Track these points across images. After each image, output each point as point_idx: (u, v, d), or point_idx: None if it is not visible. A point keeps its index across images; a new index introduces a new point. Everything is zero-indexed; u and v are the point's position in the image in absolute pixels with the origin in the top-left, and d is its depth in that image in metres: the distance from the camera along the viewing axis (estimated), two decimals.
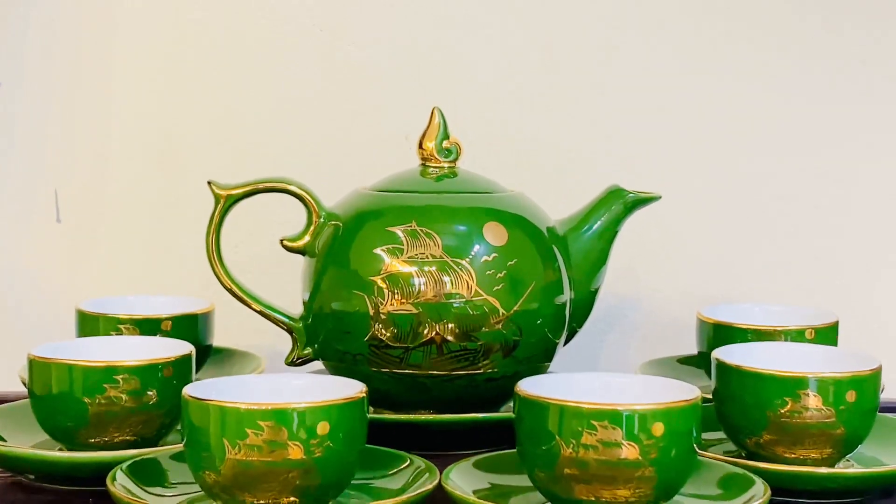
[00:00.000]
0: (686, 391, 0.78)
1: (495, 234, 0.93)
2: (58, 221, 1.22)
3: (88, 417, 0.86)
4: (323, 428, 0.75)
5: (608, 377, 0.83)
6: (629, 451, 0.74)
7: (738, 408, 0.87)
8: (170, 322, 1.05)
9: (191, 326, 1.06)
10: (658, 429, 0.74)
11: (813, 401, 0.84)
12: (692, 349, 1.10)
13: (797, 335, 1.01)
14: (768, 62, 1.19)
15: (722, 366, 0.88)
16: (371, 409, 0.97)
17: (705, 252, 1.20)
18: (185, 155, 1.21)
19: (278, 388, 0.82)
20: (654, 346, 1.19)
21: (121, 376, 0.86)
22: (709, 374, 1.05)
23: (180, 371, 0.89)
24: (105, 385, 0.86)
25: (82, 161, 1.22)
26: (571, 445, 0.74)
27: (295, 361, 0.98)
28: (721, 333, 1.04)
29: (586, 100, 1.19)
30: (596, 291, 1.00)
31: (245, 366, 1.10)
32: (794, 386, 0.84)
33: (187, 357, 0.90)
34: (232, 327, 1.11)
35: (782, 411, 0.85)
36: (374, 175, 1.17)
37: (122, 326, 1.04)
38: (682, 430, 0.75)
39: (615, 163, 1.19)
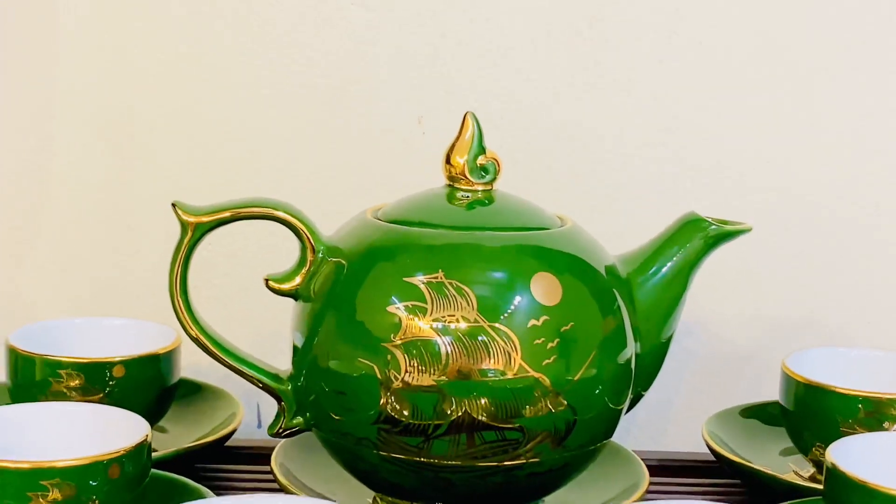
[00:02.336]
0: None
1: (547, 289, 0.72)
2: None
3: None
4: None
5: None
6: None
7: None
8: (122, 367, 0.85)
9: (149, 368, 0.87)
10: None
11: None
12: (762, 391, 0.94)
13: None
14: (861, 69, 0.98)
15: (840, 476, 0.68)
16: (378, 498, 0.78)
17: (785, 273, 1.01)
18: (141, 145, 1.01)
19: None
20: (717, 387, 1.00)
21: (50, 482, 0.66)
22: (791, 434, 0.90)
23: (132, 463, 0.69)
24: (29, 493, 0.66)
25: (23, 151, 1.01)
26: None
27: (280, 433, 0.78)
28: (815, 396, 0.85)
29: (644, 96, 0.98)
30: (668, 342, 0.81)
31: (218, 411, 0.91)
32: None
33: (140, 447, 0.69)
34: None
35: None
36: (381, 177, 0.99)
37: (62, 372, 0.84)
38: None
39: (685, 182, 0.99)
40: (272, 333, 0.96)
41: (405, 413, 0.72)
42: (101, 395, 0.84)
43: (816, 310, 1.00)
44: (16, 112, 1.01)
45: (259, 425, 1.03)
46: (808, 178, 0.99)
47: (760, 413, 0.94)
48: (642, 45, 0.98)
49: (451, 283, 0.72)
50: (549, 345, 0.72)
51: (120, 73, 1.00)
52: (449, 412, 0.71)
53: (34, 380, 0.85)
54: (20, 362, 0.85)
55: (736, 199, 0.99)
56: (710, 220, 0.80)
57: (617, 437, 0.85)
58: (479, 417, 0.72)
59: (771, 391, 0.91)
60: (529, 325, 0.72)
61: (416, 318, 0.72)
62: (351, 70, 0.99)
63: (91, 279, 1.02)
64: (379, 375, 0.72)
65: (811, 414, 0.85)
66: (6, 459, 0.66)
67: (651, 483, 0.83)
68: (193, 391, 0.94)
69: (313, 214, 0.78)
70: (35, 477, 0.66)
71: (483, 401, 0.71)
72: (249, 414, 1.01)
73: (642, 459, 0.85)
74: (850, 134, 0.99)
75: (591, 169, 0.99)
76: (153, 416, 0.85)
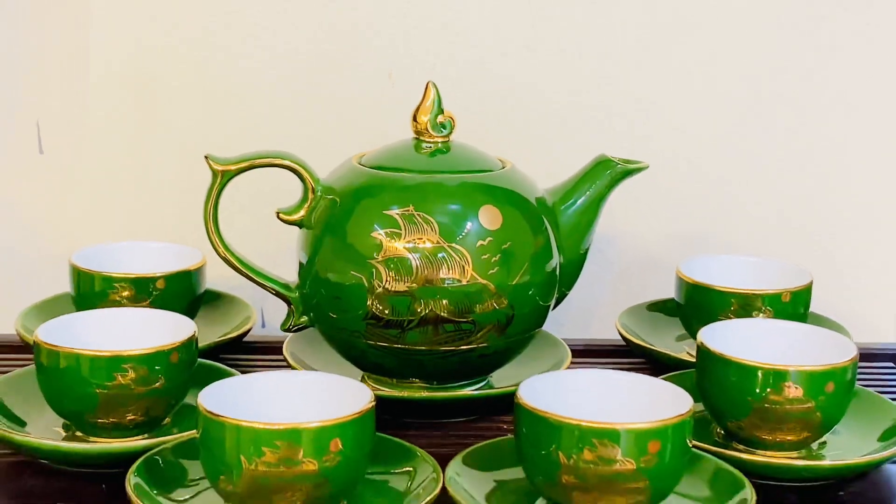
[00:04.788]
0: (680, 402, 0.82)
1: (491, 217, 0.95)
2: (41, 153, 1.23)
3: (97, 403, 0.89)
4: (335, 444, 0.78)
5: (605, 377, 0.86)
6: (626, 466, 0.78)
7: (720, 393, 0.91)
8: (164, 280, 1.07)
9: (184, 282, 1.08)
10: (654, 445, 0.78)
11: (793, 391, 0.88)
12: (668, 289, 1.14)
13: (774, 299, 1.05)
14: (751, 13, 1.20)
15: (706, 352, 0.92)
16: (366, 376, 1.01)
17: (684, 196, 1.23)
18: (166, 89, 1.21)
19: (287, 391, 0.84)
20: (631, 287, 1.22)
21: (129, 364, 0.88)
22: (684, 323, 1.10)
23: (186, 353, 0.92)
24: (114, 373, 0.88)
25: (63, 92, 1.21)
26: (571, 459, 0.78)
27: (291, 329, 1.01)
28: (700, 294, 1.07)
29: (571, 62, 1.20)
30: (585, 253, 1.03)
31: (237, 314, 1.13)
32: (776, 378, 0.88)
33: (191, 340, 0.92)
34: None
35: (764, 400, 0.89)
36: (359, 125, 1.19)
37: (117, 285, 1.06)
38: (677, 443, 0.79)
39: (601, 129, 1.20)
40: (278, 257, 1.13)
41: (386, 312, 0.95)
42: (147, 302, 1.06)
43: (708, 226, 1.22)
44: (56, 67, 1.20)
45: (263, 325, 1.26)
46: (700, 121, 1.21)
47: (662, 307, 1.16)
48: (572, 12, 1.19)
49: (419, 215, 0.94)
50: (493, 259, 0.95)
51: (149, 38, 1.19)
52: (419, 310, 0.94)
53: (94, 291, 1.06)
54: (82, 278, 1.07)
55: (641, 141, 1.20)
56: (616, 160, 1.02)
57: (551, 330, 1.08)
58: (442, 314, 0.94)
59: (672, 291, 1.13)
60: (478, 244, 0.94)
61: (393, 241, 0.94)
62: (335, 40, 1.19)
63: (129, 209, 1.22)
64: (366, 284, 0.94)
65: (697, 307, 1.07)
66: (98, 350, 0.89)
67: (576, 363, 1.05)
68: (216, 299, 1.16)
69: (309, 160, 0.99)
70: (118, 361, 0.88)
71: (444, 301, 0.94)
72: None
73: (570, 346, 1.06)
74: (729, 77, 1.20)
75: (527, 119, 1.20)
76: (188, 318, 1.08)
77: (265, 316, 1.25)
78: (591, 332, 1.23)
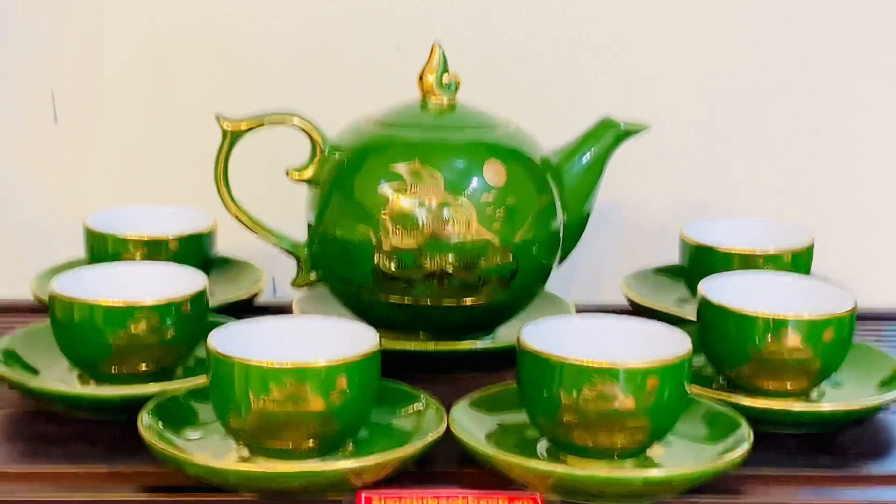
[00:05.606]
0: (681, 344, 0.83)
1: (495, 172, 0.97)
2: (55, 123, 1.25)
3: (111, 352, 0.91)
4: (341, 383, 0.80)
5: (606, 321, 0.88)
6: (625, 404, 0.80)
7: (720, 342, 0.93)
8: (176, 242, 1.09)
9: (196, 244, 1.10)
10: (653, 383, 0.80)
11: (792, 340, 0.90)
12: (674, 255, 1.15)
13: (776, 259, 1.07)
14: None
15: (707, 303, 0.93)
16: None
17: (690, 161, 1.24)
18: (179, 57, 1.23)
19: (293, 334, 0.86)
20: (637, 252, 1.24)
21: (141, 315, 0.91)
22: (689, 286, 1.11)
23: (197, 305, 0.94)
24: (127, 322, 0.90)
25: (77, 62, 1.23)
26: (571, 398, 0.80)
27: (301, 285, 1.03)
28: (703, 255, 1.09)
29: (575, 25, 1.22)
30: (588, 214, 1.04)
31: (247, 278, 1.15)
32: (776, 326, 0.90)
33: (202, 293, 0.94)
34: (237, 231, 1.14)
35: (763, 348, 0.90)
36: (368, 90, 1.21)
37: (130, 246, 1.08)
38: (675, 382, 0.81)
39: (604, 90, 1.22)
40: (289, 221, 1.12)
41: (393, 267, 0.97)
42: None
43: (714, 191, 1.24)
44: (71, 37, 1.22)
45: (274, 293, 1.27)
46: (704, 83, 1.23)
47: (668, 271, 1.16)
48: None
49: (425, 170, 0.97)
50: (498, 213, 0.96)
51: (163, 6, 1.21)
52: (425, 265, 0.96)
53: (107, 254, 1.07)
54: (95, 240, 1.08)
55: (646, 103, 1.21)
56: (619, 121, 1.04)
57: (559, 293, 1.10)
58: (447, 268, 0.97)
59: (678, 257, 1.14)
60: (483, 199, 0.96)
61: (399, 196, 0.96)
62: (345, 5, 1.21)
63: (143, 177, 1.24)
64: (373, 239, 0.96)
65: (700, 268, 1.07)
66: (111, 299, 0.91)
67: None
68: (227, 264, 1.17)
69: (318, 122, 1.01)
70: (131, 312, 0.90)
71: (450, 256, 0.96)
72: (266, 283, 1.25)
73: (578, 309, 1.08)
74: (739, 36, 1.22)
75: (532, 80, 1.22)
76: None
77: (276, 283, 1.27)
78: (598, 298, 1.24)
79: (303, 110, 1.02)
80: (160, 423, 0.84)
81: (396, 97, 1.05)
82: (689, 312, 1.09)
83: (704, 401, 0.88)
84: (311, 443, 0.81)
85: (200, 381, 0.88)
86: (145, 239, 1.08)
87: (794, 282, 0.98)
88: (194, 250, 1.10)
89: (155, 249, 1.08)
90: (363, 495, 0.80)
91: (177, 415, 0.86)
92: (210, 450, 0.83)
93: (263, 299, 1.17)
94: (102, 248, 1.09)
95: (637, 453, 0.83)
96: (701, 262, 1.09)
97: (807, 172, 1.24)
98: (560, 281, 1.08)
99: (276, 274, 1.25)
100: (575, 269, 1.23)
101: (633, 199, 1.24)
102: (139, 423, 0.83)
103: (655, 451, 0.84)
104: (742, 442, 0.83)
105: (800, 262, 1.08)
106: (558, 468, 0.80)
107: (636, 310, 1.12)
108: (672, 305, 1.12)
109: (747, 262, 1.07)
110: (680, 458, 0.84)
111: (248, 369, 0.80)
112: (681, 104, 1.23)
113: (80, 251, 1.12)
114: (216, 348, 0.81)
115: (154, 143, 1.24)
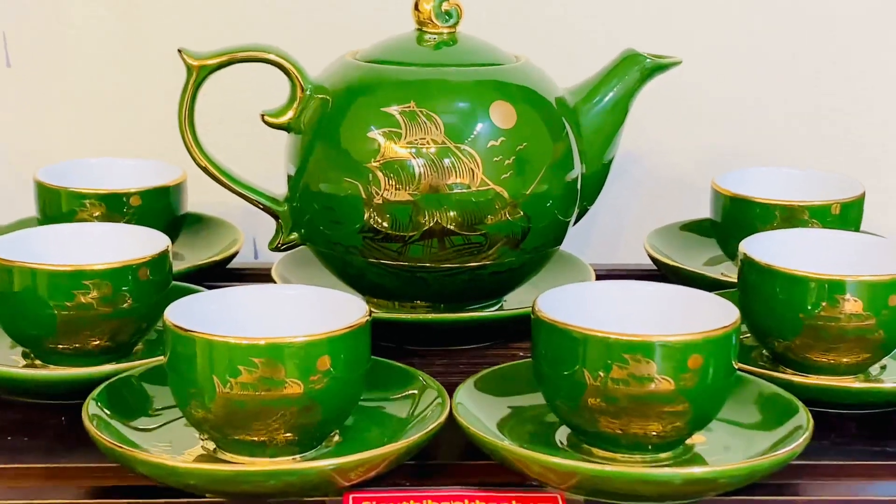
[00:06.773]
0: (724, 313, 0.71)
1: (503, 114, 0.85)
2: (7, 66, 1.13)
3: (56, 325, 0.79)
4: (323, 363, 0.67)
5: (634, 288, 0.76)
6: (662, 385, 0.67)
7: (767, 309, 0.81)
8: (138, 196, 0.97)
9: (161, 200, 0.99)
10: (695, 361, 0.67)
11: (852, 305, 0.78)
12: (701, 210, 1.04)
13: (822, 211, 0.95)
14: None
15: (752, 263, 0.81)
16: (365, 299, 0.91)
17: (718, 108, 1.13)
18: (147, 4, 1.12)
19: (269, 306, 0.74)
20: (661, 208, 1.13)
21: (91, 281, 0.78)
22: (721, 243, 1.01)
23: (158, 270, 0.81)
24: (74, 291, 0.78)
25: (34, 3, 1.12)
26: (598, 378, 0.68)
27: (280, 247, 0.91)
28: (739, 208, 0.98)
29: None
30: (609, 164, 0.93)
31: (221, 238, 1.03)
32: (832, 290, 0.78)
33: (164, 255, 0.82)
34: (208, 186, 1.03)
35: (817, 316, 0.78)
36: (356, 23, 1.09)
37: (86, 202, 0.96)
38: (722, 359, 0.69)
39: (625, 22, 1.10)
40: (267, 174, 1.04)
41: (385, 224, 0.84)
42: (121, 222, 0.96)
43: (746, 138, 1.13)
44: None
45: (256, 256, 1.15)
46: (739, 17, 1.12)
47: (696, 228, 1.05)
48: None
49: (421, 112, 0.84)
50: (507, 161, 0.84)
51: None
52: (422, 221, 0.84)
53: (61, 211, 0.96)
54: (47, 195, 0.97)
55: (673, 36, 1.11)
56: (645, 55, 0.92)
57: (576, 253, 0.98)
58: (448, 225, 0.84)
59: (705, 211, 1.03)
60: (489, 145, 0.84)
61: (392, 143, 0.84)
62: None
63: (106, 126, 1.13)
64: (362, 193, 0.84)
65: (736, 223, 0.97)
66: (53, 264, 0.78)
67: None
68: (199, 222, 1.06)
69: (300, 58, 0.89)
70: (78, 277, 0.78)
71: (451, 212, 0.84)
72: (247, 245, 1.13)
73: (595, 270, 0.97)
74: None
75: (545, 11, 1.10)
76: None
77: (257, 245, 1.15)
78: (618, 258, 1.13)
79: (283, 46, 0.90)
80: (109, 411, 0.72)
81: (388, 30, 0.92)
82: (720, 272, 0.98)
83: (752, 378, 0.76)
84: (288, 435, 0.69)
85: (159, 361, 0.76)
86: (103, 193, 0.97)
87: (849, 239, 0.86)
88: (160, 207, 0.99)
89: (115, 205, 0.97)
90: (350, 497, 0.67)
91: (130, 401, 0.74)
92: (169, 444, 0.71)
93: (243, 262, 1.05)
94: (55, 205, 0.98)
95: (675, 445, 0.71)
96: (736, 216, 0.98)
97: (855, 118, 1.13)
98: (575, 239, 0.97)
99: (257, 234, 1.14)
100: (591, 226, 1.11)
101: (657, 147, 1.14)
102: (83, 412, 0.70)
103: (695, 441, 0.72)
104: (800, 430, 0.70)
105: (849, 215, 0.97)
106: (584, 465, 0.67)
107: (661, 271, 1.00)
108: (702, 267, 1.01)
109: (790, 214, 0.96)
110: (726, 450, 0.72)
111: (211, 347, 0.67)
112: (711, 38, 1.12)
113: (33, 209, 1.01)
114: (174, 321, 0.69)
115: (120, 89, 1.14)
